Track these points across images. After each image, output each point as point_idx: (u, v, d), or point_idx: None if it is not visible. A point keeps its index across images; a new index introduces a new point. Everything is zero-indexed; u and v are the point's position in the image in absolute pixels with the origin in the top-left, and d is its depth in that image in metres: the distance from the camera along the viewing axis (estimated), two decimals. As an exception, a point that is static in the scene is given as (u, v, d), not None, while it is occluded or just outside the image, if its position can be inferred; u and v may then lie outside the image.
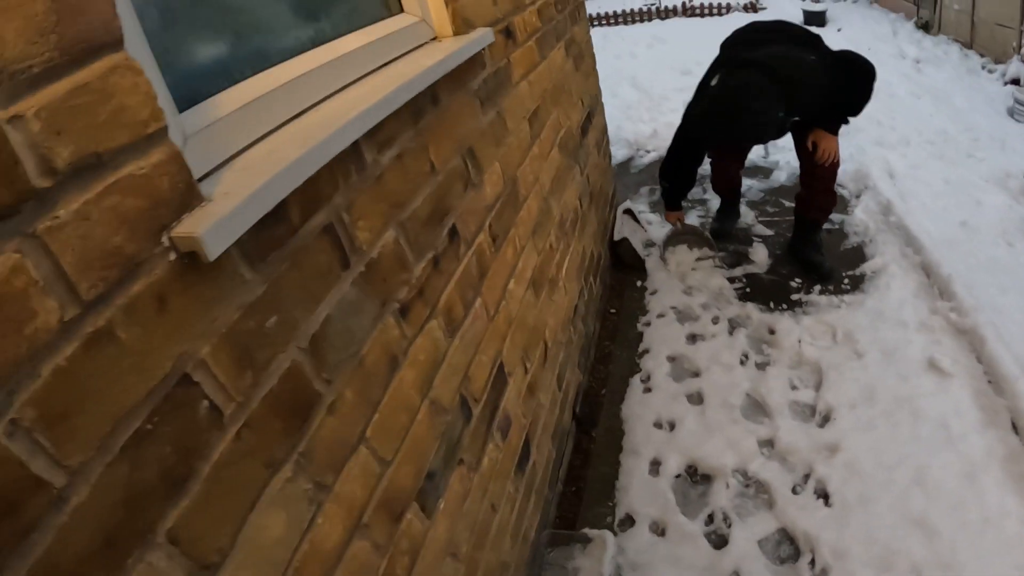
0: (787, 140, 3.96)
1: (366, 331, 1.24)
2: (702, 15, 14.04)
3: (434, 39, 1.84)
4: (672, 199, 4.24)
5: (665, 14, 14.15)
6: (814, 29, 11.59)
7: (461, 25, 1.86)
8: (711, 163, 4.46)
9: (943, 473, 2.76)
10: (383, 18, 1.70)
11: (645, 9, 14.20)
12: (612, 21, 14.19)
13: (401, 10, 1.79)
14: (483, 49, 1.94)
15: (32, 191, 0.67)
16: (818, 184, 3.98)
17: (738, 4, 13.86)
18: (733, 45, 3.80)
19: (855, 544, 2.50)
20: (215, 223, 0.82)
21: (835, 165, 3.86)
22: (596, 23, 14.05)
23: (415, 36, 1.74)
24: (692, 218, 4.79)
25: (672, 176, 4.12)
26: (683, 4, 14.19)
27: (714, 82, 3.44)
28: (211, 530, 0.89)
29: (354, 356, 1.20)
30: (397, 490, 1.35)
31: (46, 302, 0.68)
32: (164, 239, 0.81)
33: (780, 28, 3.84)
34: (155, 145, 0.81)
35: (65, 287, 0.70)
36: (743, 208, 4.85)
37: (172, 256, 0.82)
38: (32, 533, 0.66)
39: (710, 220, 4.74)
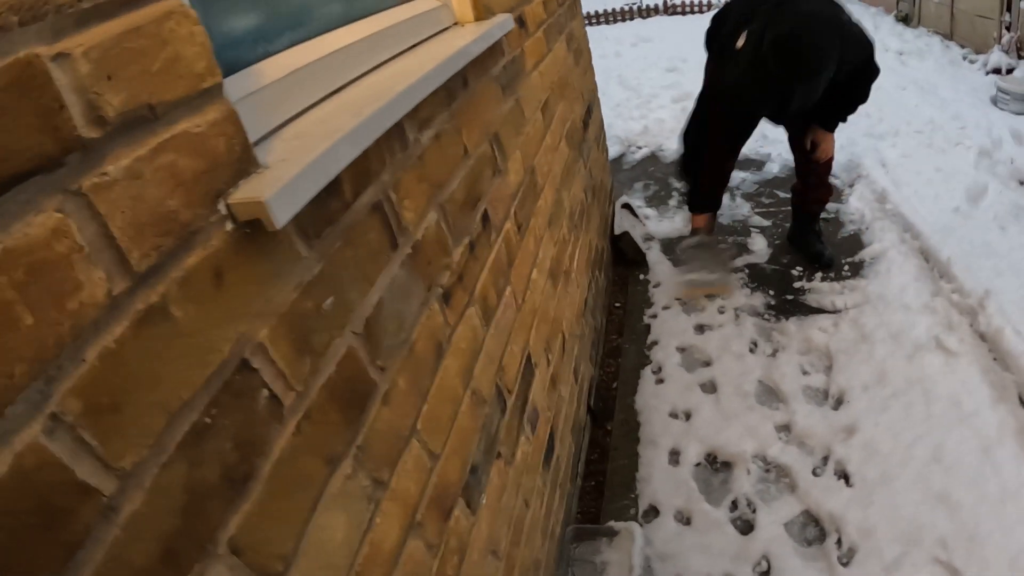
0: (776, 132, 3.90)
1: (415, 316, 1.14)
2: (683, 13, 14.01)
3: (455, 24, 1.76)
4: (699, 201, 3.95)
5: (647, 13, 14.11)
6: None
7: (482, 11, 1.78)
8: (705, 162, 3.91)
9: (959, 449, 2.73)
10: (407, 0, 1.61)
11: (627, 8, 14.15)
12: (595, 21, 14.12)
13: None
14: (503, 36, 1.85)
15: (78, 141, 0.56)
16: (814, 179, 3.94)
17: (719, 2, 13.84)
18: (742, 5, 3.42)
19: (881, 521, 2.46)
20: (281, 189, 0.72)
21: (831, 160, 3.84)
22: (582, 21, 14.05)
23: (438, 20, 1.67)
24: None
25: (710, 176, 3.85)
26: (664, 2, 14.16)
27: (742, 40, 3.14)
28: (273, 536, 0.78)
29: (405, 343, 1.10)
30: (446, 485, 1.25)
31: (92, 272, 0.57)
32: (221, 206, 0.71)
33: None
34: (211, 101, 0.71)
35: (114, 255, 0.59)
36: (739, 199, 4.80)
37: (229, 225, 0.72)
38: (79, 550, 0.55)
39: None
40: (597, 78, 4.33)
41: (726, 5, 3.64)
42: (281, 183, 0.73)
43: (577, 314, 2.68)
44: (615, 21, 14.13)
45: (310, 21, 1.22)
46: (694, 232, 4.00)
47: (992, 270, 3.99)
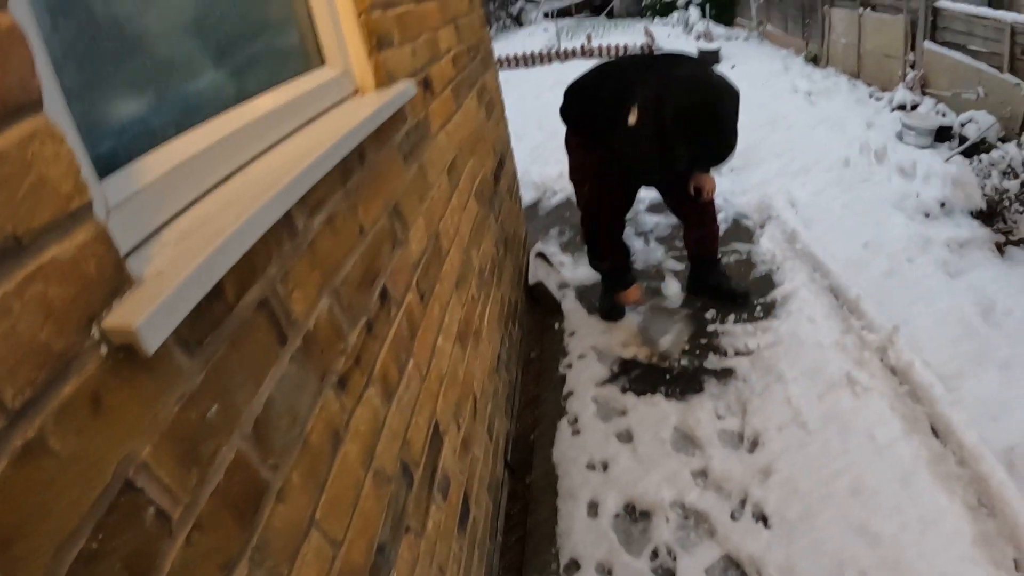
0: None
1: (308, 408, 1.15)
2: (601, 56, 14.29)
3: (356, 92, 1.78)
4: (624, 274, 3.87)
5: (565, 56, 14.36)
6: None
7: (384, 78, 1.81)
8: (598, 225, 3.84)
9: (877, 481, 2.84)
10: (306, 71, 1.63)
11: (546, 52, 14.39)
12: (514, 64, 14.31)
13: (324, 63, 1.73)
14: (405, 103, 1.88)
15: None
16: (708, 220, 4.07)
17: (634, 45, 14.18)
18: (618, 77, 3.50)
19: (802, 560, 2.54)
20: (151, 312, 0.73)
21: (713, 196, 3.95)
22: (498, 66, 14.16)
23: (338, 90, 1.68)
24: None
25: (611, 250, 3.81)
26: (582, 46, 14.43)
27: (633, 116, 3.12)
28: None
29: (298, 437, 1.11)
30: (351, 570, 1.25)
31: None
32: (94, 331, 0.72)
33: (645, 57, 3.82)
34: (80, 223, 0.72)
35: (-13, 397, 0.60)
36: (653, 243, 4.90)
37: (104, 350, 0.72)
38: None
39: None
40: (516, 122, 4.41)
41: (580, 84, 3.64)
42: (153, 305, 0.74)
43: (489, 372, 2.70)
44: (535, 64, 14.36)
45: (200, 104, 1.22)
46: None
47: (902, 302, 4.19)
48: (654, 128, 3.05)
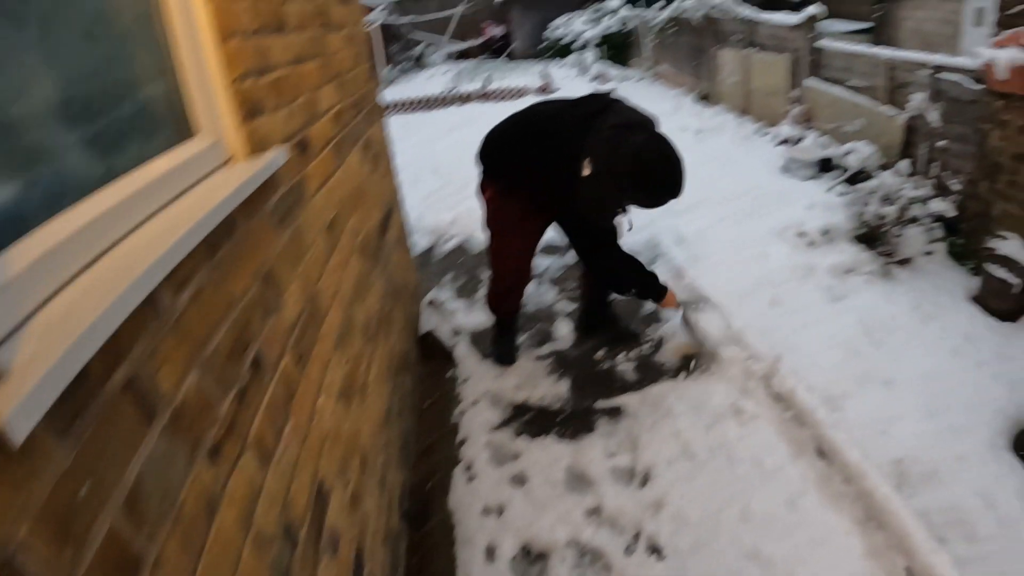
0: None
1: (180, 480, 1.22)
2: (499, 99, 14.53)
3: (228, 161, 1.85)
4: (655, 284, 3.97)
5: (464, 99, 14.53)
6: None
7: (256, 145, 1.89)
8: (517, 277, 4.09)
9: (766, 506, 3.02)
10: (178, 143, 1.69)
11: (445, 95, 14.54)
12: (412, 108, 14.39)
13: (195, 133, 1.79)
14: (279, 169, 1.96)
15: None
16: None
17: (532, 87, 14.47)
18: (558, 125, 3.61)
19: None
20: (17, 405, 0.81)
21: None
22: (397, 110, 14.19)
23: (210, 160, 1.75)
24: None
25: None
26: (480, 89, 14.63)
27: (588, 169, 3.33)
28: None
29: (172, 508, 1.18)
30: (232, 636, 1.32)
31: None
32: (-37, 425, 0.79)
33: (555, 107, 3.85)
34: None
35: None
36: (545, 285, 5.04)
37: (-27, 442, 0.80)
38: None
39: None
40: (412, 168, 4.49)
41: (504, 132, 3.80)
42: (18, 398, 0.81)
43: (379, 425, 2.78)
44: (434, 107, 14.47)
45: (69, 186, 1.26)
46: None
47: (790, 327, 4.43)
48: (610, 176, 3.32)
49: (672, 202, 3.53)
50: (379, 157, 3.83)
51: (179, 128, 1.75)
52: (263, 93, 2.00)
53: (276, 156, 1.92)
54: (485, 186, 3.86)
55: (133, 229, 1.35)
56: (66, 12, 1.34)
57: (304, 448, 1.87)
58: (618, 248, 3.86)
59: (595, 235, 3.77)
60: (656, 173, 3.36)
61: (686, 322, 4.17)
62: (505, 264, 3.95)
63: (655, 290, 3.93)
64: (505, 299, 4.15)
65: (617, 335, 4.40)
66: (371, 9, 18.11)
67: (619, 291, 4.14)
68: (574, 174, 3.36)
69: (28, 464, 0.87)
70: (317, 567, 1.83)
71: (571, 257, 5.49)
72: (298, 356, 1.94)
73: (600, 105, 3.61)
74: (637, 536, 2.98)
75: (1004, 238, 5.19)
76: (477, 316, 4.76)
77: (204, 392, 1.36)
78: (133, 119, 1.57)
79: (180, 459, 1.24)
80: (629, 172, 3.29)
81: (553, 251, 5.57)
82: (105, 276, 1.15)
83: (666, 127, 9.78)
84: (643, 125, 3.47)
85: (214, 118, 1.82)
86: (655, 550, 2.91)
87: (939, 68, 6.31)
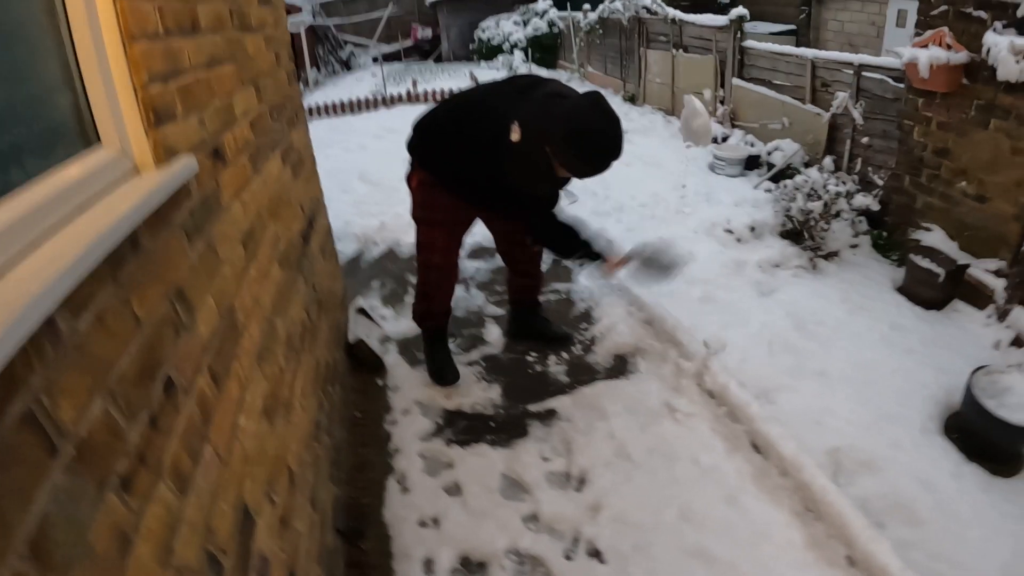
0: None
1: (89, 516, 1.15)
2: (426, 101, 14.43)
3: (134, 171, 1.74)
4: (592, 248, 3.77)
5: (391, 101, 14.40)
6: None
7: (163, 154, 1.79)
8: (441, 273, 3.96)
9: (706, 503, 3.08)
10: (79, 152, 1.59)
11: (372, 98, 14.40)
12: (339, 111, 14.20)
13: (99, 141, 1.68)
14: (188, 179, 1.87)
15: None
16: (534, 268, 4.28)
17: (459, 90, 14.41)
18: (492, 97, 3.56)
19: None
20: None
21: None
22: (323, 114, 13.99)
23: (114, 170, 1.64)
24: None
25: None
26: (408, 92, 14.54)
27: (516, 133, 3.14)
28: None
29: (82, 546, 1.10)
30: None
31: None
32: None
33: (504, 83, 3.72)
34: None
35: None
36: (473, 290, 5.01)
37: None
38: None
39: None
40: (338, 175, 4.37)
41: (434, 119, 3.68)
42: None
43: (306, 441, 2.70)
44: (361, 110, 14.30)
45: None
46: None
47: (719, 324, 4.51)
48: (541, 139, 3.11)
49: (610, 169, 3.32)
50: (301, 164, 3.73)
51: (81, 136, 1.65)
52: (172, 98, 1.90)
53: (186, 165, 1.82)
54: (412, 173, 3.77)
55: (28, 248, 1.25)
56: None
57: (226, 472, 1.79)
58: (554, 216, 3.71)
59: (530, 209, 3.58)
60: (591, 132, 3.09)
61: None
62: (431, 256, 3.83)
63: (598, 254, 3.77)
64: (433, 298, 4.01)
65: (549, 337, 4.39)
66: (299, 10, 17.88)
67: (565, 255, 3.87)
68: (498, 142, 3.19)
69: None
70: (245, 595, 1.76)
71: (499, 260, 5.49)
72: (214, 376, 1.85)
73: (531, 80, 3.54)
74: (577, 541, 2.97)
75: (928, 230, 5.39)
76: (406, 323, 4.70)
77: (111, 422, 1.27)
78: (29, 128, 1.46)
79: (87, 495, 1.16)
80: (562, 132, 3.06)
81: (481, 254, 5.55)
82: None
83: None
84: (575, 94, 3.29)
85: (120, 126, 1.71)
86: (595, 554, 2.91)
87: (862, 67, 6.49)
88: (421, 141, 3.68)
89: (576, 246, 3.69)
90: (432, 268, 3.86)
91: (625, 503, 3.12)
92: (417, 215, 3.81)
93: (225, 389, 1.92)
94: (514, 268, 4.28)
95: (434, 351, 4.14)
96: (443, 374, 4.06)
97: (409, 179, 3.79)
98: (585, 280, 5.04)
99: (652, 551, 2.88)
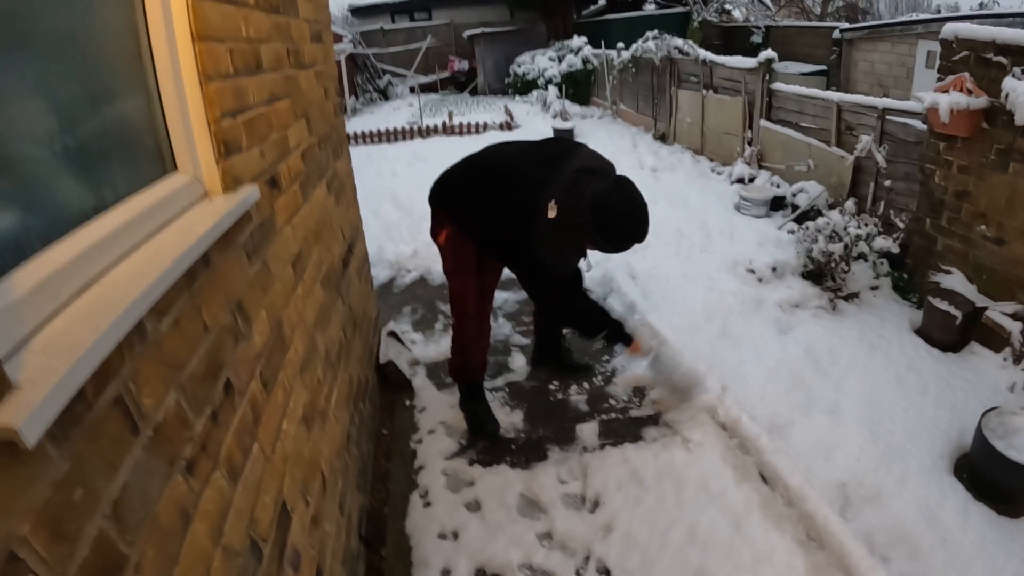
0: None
1: (159, 490, 1.34)
2: (461, 134, 14.69)
3: (205, 196, 1.96)
4: (621, 330, 3.82)
5: (427, 132, 14.67)
6: None
7: (231, 182, 2.01)
8: (478, 325, 3.97)
9: (712, 527, 3.19)
10: (159, 177, 1.81)
11: (408, 128, 14.67)
12: (375, 140, 14.49)
13: (175, 168, 1.91)
14: (251, 206, 2.09)
15: None
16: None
17: (494, 123, 14.68)
18: (526, 167, 3.50)
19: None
20: (31, 414, 0.94)
21: None
22: (359, 141, 14.28)
23: (188, 195, 1.86)
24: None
25: (594, 315, 3.80)
26: (443, 123, 14.80)
27: (553, 211, 3.23)
28: None
29: (151, 515, 1.30)
30: (204, 639, 1.44)
31: None
32: (-18, 429, 0.92)
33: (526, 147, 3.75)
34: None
35: None
36: (501, 319, 5.18)
37: (-11, 445, 0.93)
38: None
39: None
40: (373, 200, 4.53)
41: (461, 174, 3.70)
42: (31, 408, 0.94)
43: (338, 450, 2.90)
44: (396, 140, 14.59)
45: (61, 217, 1.38)
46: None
47: (737, 359, 4.62)
48: (575, 221, 3.25)
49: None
50: (343, 190, 3.95)
51: (162, 164, 1.88)
52: (238, 132, 2.13)
53: (250, 193, 2.05)
54: (439, 229, 3.73)
55: (120, 258, 1.47)
56: (61, 55, 1.48)
57: (269, 469, 1.99)
58: (583, 295, 3.86)
59: (555, 281, 3.59)
60: (621, 219, 3.27)
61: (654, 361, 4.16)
62: (467, 305, 3.79)
63: (623, 336, 3.81)
64: (470, 352, 3.97)
65: (571, 368, 4.54)
66: (340, 39, 18.26)
67: (588, 336, 3.89)
68: (535, 217, 3.26)
69: (31, 469, 1.00)
70: (279, 582, 1.95)
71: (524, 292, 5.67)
72: (264, 382, 2.06)
73: (563, 148, 3.62)
74: (587, 558, 3.13)
75: (948, 272, 5.45)
76: (435, 348, 4.89)
77: (181, 412, 1.48)
78: (120, 154, 1.69)
79: (159, 472, 1.36)
80: (595, 218, 3.21)
81: (509, 286, 5.72)
82: (98, 303, 1.27)
83: (623, 165, 9.98)
84: (605, 171, 3.48)
85: (194, 156, 1.94)
86: (604, 571, 3.06)
87: (886, 111, 6.59)
88: (446, 197, 3.70)
89: (603, 325, 3.76)
90: (469, 319, 3.85)
91: (634, 524, 3.26)
92: (448, 268, 3.81)
93: (273, 394, 2.12)
94: (554, 313, 4.28)
95: (473, 405, 4.11)
96: (483, 427, 4.04)
97: (435, 235, 3.77)
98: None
99: (656, 570, 3.02)
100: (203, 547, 1.50)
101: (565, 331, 4.67)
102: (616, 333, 3.80)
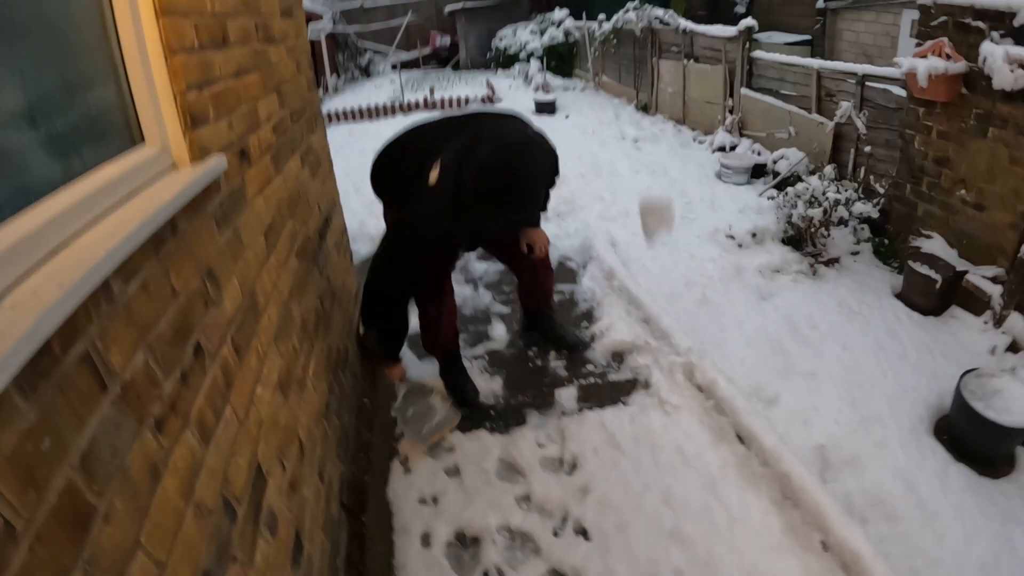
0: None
1: (127, 445, 1.40)
2: (443, 108, 14.67)
3: (173, 166, 2.01)
4: (392, 346, 3.69)
5: (408, 108, 14.65)
6: (545, 118, 12.17)
7: (198, 152, 2.06)
8: (425, 308, 3.78)
9: (686, 489, 3.27)
10: (127, 149, 1.87)
11: (389, 104, 14.65)
12: (357, 117, 14.47)
13: (143, 140, 1.96)
14: (219, 175, 2.14)
15: None
16: (541, 271, 4.23)
17: (475, 97, 14.66)
18: (425, 139, 3.43)
19: (619, 565, 2.91)
20: (-2, 363, 1.00)
21: (547, 248, 4.05)
22: (342, 119, 14.27)
23: (156, 165, 1.91)
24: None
25: (387, 315, 3.56)
26: (425, 98, 14.79)
27: (434, 174, 3.06)
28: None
29: (120, 469, 1.36)
30: (176, 591, 1.50)
31: None
32: (-50, 378, 0.97)
33: (457, 118, 3.63)
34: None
35: None
36: (481, 289, 5.23)
37: (-44, 394, 0.98)
38: None
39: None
40: (354, 176, 4.53)
41: (388, 143, 3.60)
42: (-4, 358, 1.00)
43: (316, 418, 2.96)
44: (379, 116, 14.57)
45: (31, 185, 1.44)
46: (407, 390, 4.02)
47: (717, 325, 4.71)
48: (453, 188, 3.03)
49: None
50: (318, 164, 4.00)
51: (129, 136, 1.93)
52: (206, 104, 2.18)
53: (217, 163, 2.10)
54: (386, 214, 3.71)
55: (88, 225, 1.53)
56: (28, 31, 1.52)
57: (242, 431, 2.05)
58: (403, 301, 3.56)
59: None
60: (487, 176, 2.98)
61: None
62: (422, 288, 3.56)
63: (388, 351, 3.70)
64: (438, 327, 3.83)
65: (563, 343, 4.44)
66: (319, 17, 18.17)
67: (363, 319, 3.70)
68: (420, 183, 3.12)
69: (1, 417, 1.05)
70: (256, 542, 2.01)
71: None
72: (237, 347, 2.12)
73: (490, 121, 3.53)
74: (564, 520, 3.20)
75: (928, 237, 5.53)
76: (413, 319, 4.92)
77: (150, 371, 1.54)
78: (88, 127, 1.75)
79: (128, 428, 1.41)
80: (472, 179, 2.99)
81: (489, 256, 5.76)
82: (65, 266, 1.32)
83: (605, 136, 9.98)
84: (513, 141, 3.17)
85: (161, 127, 1.99)
86: (581, 532, 3.13)
87: (866, 77, 6.64)
88: (376, 177, 3.61)
89: (380, 327, 3.61)
90: (427, 301, 3.71)
91: (610, 487, 3.33)
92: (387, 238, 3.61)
93: (245, 360, 2.18)
94: (519, 275, 4.31)
95: (452, 375, 4.06)
96: (463, 395, 3.98)
97: (385, 217, 3.73)
98: (589, 281, 5.23)
99: (632, 531, 3.09)
100: (174, 503, 1.56)
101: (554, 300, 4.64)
102: (383, 343, 3.66)
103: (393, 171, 3.50)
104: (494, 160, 2.98)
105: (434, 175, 3.08)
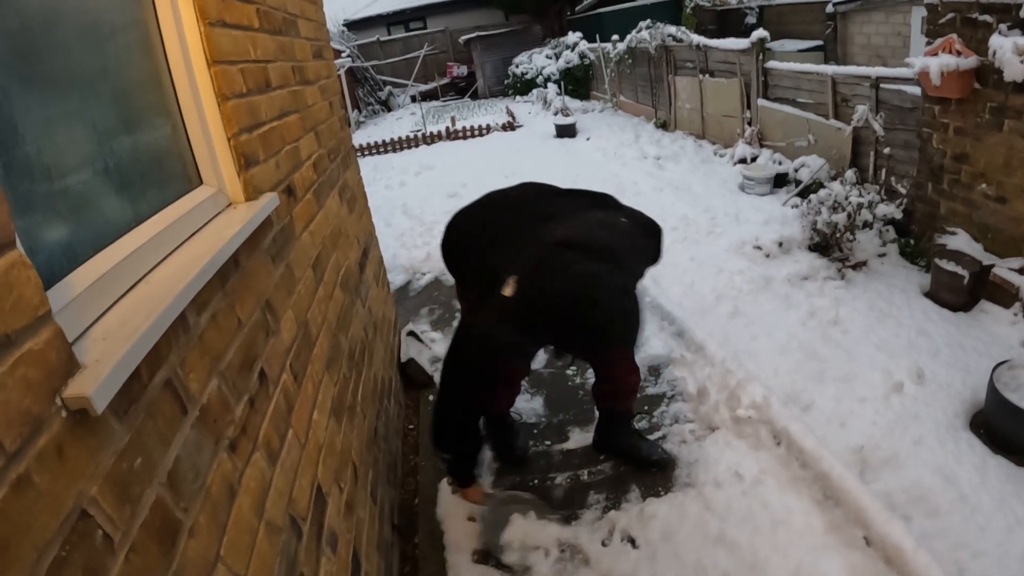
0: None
1: (207, 465, 1.50)
2: (465, 138, 14.87)
3: (229, 205, 2.14)
4: (465, 469, 3.44)
5: (431, 139, 14.85)
6: (566, 141, 12.17)
7: (252, 192, 2.19)
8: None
9: (728, 494, 3.32)
10: (188, 191, 2.00)
11: (412, 136, 14.84)
12: (381, 150, 14.68)
13: (201, 182, 2.10)
14: (271, 212, 2.25)
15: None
16: (619, 372, 3.56)
17: (497, 125, 14.82)
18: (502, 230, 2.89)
19: (667, 571, 2.96)
20: (98, 386, 1.09)
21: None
22: (366, 153, 14.48)
23: (214, 205, 2.04)
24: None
25: (461, 440, 3.27)
26: (447, 129, 14.98)
27: (510, 288, 2.50)
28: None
29: (202, 487, 1.45)
30: (253, 605, 1.59)
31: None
32: (58, 400, 1.06)
33: (533, 193, 3.22)
34: (44, 325, 1.07)
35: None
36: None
37: (64, 414, 1.07)
38: None
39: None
40: (383, 209, 4.62)
41: (462, 226, 3.18)
42: (97, 382, 1.10)
43: (367, 443, 3.06)
44: (402, 148, 14.78)
45: (108, 228, 1.56)
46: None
47: (748, 336, 4.71)
48: (527, 310, 2.51)
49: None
50: (354, 199, 4.13)
51: (190, 178, 2.07)
52: (256, 146, 2.31)
53: (270, 200, 2.22)
54: (460, 293, 3.39)
55: (159, 262, 1.64)
56: (98, 88, 1.66)
57: (304, 454, 2.14)
58: (474, 419, 3.27)
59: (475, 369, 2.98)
60: (566, 315, 2.45)
61: None
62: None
63: (461, 472, 3.46)
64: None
65: (640, 462, 3.69)
66: (339, 54, 18.45)
67: (434, 441, 3.30)
68: (490, 291, 2.59)
69: (98, 438, 1.15)
70: (320, 560, 2.09)
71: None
72: (295, 374, 2.22)
73: (560, 206, 3.05)
74: (611, 531, 3.25)
75: (953, 233, 5.50)
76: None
77: (223, 396, 1.64)
78: (152, 172, 1.87)
79: (207, 449, 1.51)
80: (565, 309, 2.45)
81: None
82: (143, 299, 1.43)
83: (627, 157, 10.00)
84: (609, 248, 2.67)
85: (217, 169, 2.13)
86: (629, 541, 3.18)
87: (880, 79, 6.67)
88: (449, 256, 3.25)
89: (453, 448, 3.32)
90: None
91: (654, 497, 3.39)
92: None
93: (303, 386, 2.29)
94: (595, 372, 3.65)
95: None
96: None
97: (460, 297, 3.44)
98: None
99: (678, 538, 3.13)
100: (248, 520, 1.65)
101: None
102: (459, 468, 3.43)
103: (468, 255, 3.08)
104: (570, 289, 2.42)
105: (509, 289, 2.51)
